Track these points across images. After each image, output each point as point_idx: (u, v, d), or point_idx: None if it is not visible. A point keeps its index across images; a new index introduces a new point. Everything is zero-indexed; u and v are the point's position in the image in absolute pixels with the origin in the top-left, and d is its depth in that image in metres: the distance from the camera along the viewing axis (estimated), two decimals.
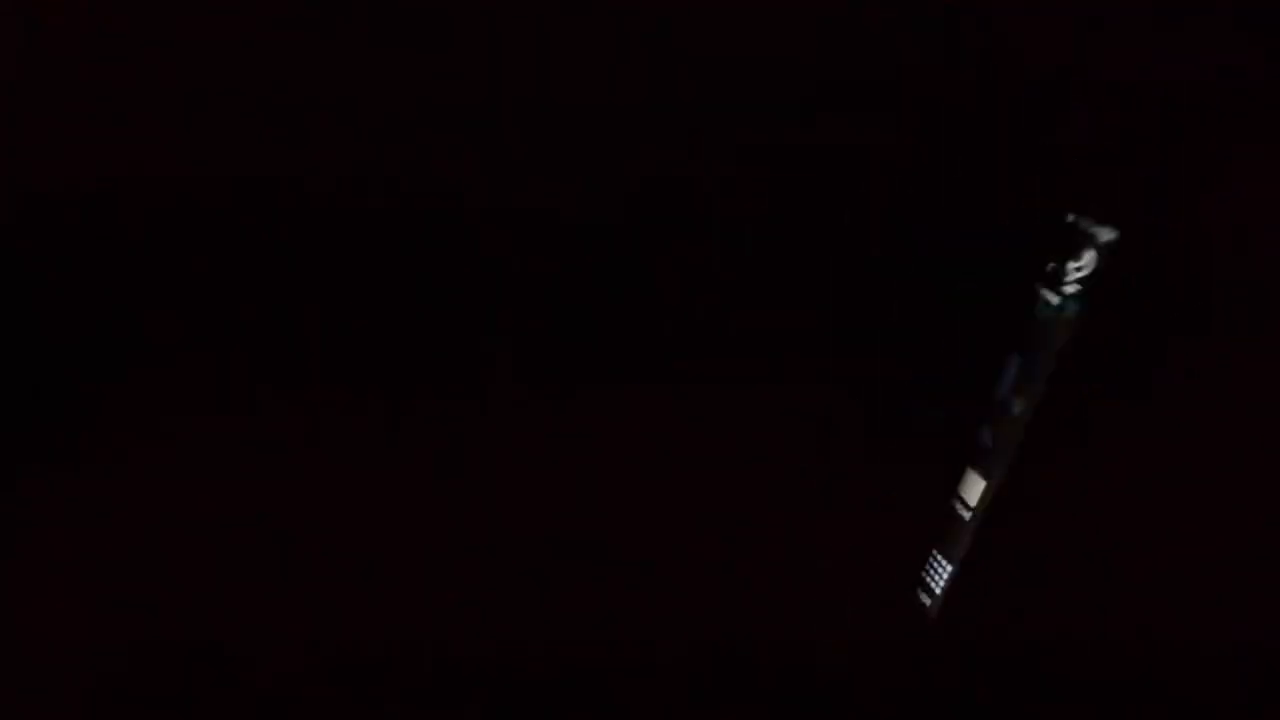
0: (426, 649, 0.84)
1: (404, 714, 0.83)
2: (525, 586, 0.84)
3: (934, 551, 0.83)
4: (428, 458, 0.84)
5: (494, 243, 0.84)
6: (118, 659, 0.83)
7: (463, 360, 0.85)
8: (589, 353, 0.84)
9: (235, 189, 0.84)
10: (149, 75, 0.83)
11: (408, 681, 0.84)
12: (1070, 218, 0.78)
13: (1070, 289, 0.77)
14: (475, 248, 0.84)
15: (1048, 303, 0.79)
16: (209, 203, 0.84)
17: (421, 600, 0.84)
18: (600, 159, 0.79)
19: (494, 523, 0.84)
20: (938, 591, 0.83)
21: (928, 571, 0.83)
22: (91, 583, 0.83)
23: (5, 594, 0.82)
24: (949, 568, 0.82)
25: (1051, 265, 0.78)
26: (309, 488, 0.84)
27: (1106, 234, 0.74)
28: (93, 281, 0.84)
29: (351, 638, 0.83)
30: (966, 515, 0.82)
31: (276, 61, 0.83)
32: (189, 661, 0.83)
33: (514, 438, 0.84)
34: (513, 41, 0.82)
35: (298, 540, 0.84)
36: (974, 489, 0.83)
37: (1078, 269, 0.77)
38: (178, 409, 0.84)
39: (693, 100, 0.79)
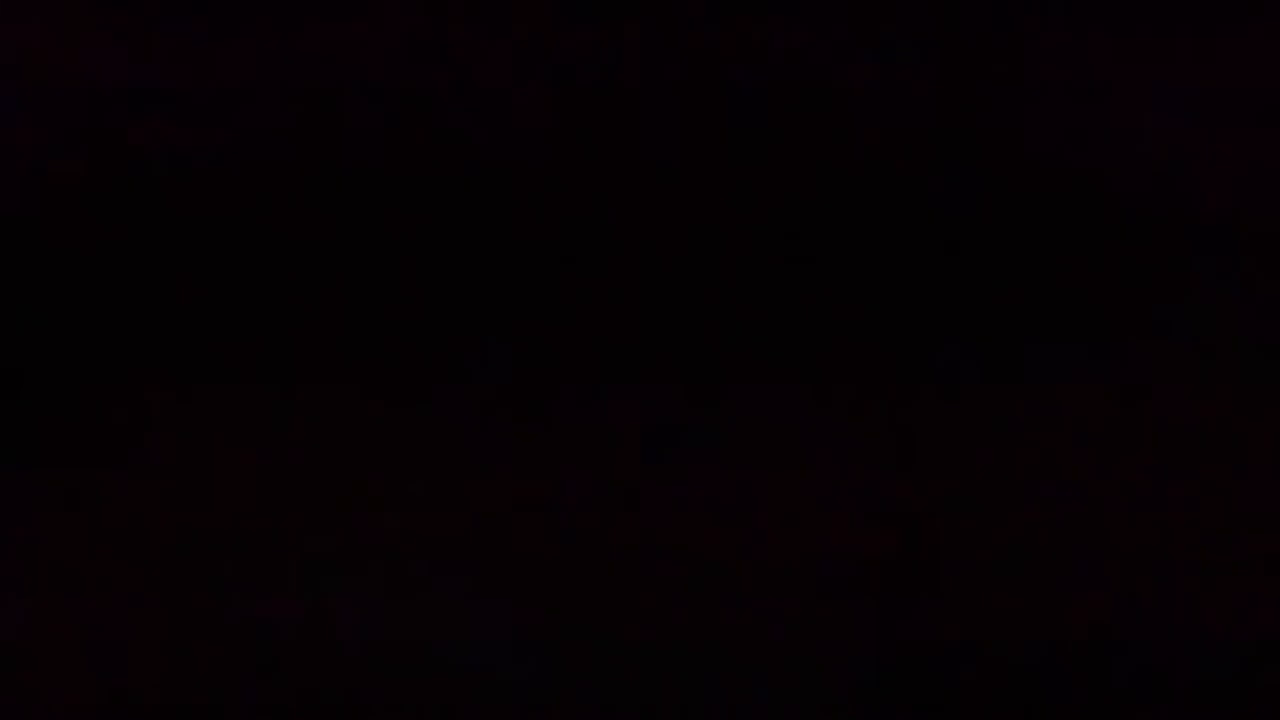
0: (428, 651, 0.83)
1: (408, 716, 0.83)
2: (529, 590, 0.84)
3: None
4: (427, 458, 0.84)
5: (493, 240, 0.84)
6: (118, 660, 0.82)
7: (463, 362, 0.85)
8: (590, 352, 0.84)
9: (234, 187, 0.84)
10: (148, 73, 0.83)
11: (410, 685, 0.83)
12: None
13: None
14: (474, 246, 0.84)
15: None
16: (209, 203, 0.84)
17: (423, 602, 0.83)
18: (603, 152, 0.79)
19: (494, 526, 0.84)
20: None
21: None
22: (92, 583, 0.83)
23: (5, 594, 0.82)
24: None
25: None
26: (309, 487, 0.84)
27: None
28: (93, 281, 0.83)
29: (353, 638, 0.83)
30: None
31: (272, 57, 0.83)
32: (188, 663, 0.83)
33: (514, 443, 0.84)
34: (512, 34, 0.82)
35: (299, 540, 0.83)
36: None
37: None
38: (178, 409, 0.83)
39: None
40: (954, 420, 0.84)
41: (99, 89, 0.84)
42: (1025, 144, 0.84)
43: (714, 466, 0.84)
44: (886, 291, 0.84)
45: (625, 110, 0.84)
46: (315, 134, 0.84)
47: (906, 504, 0.83)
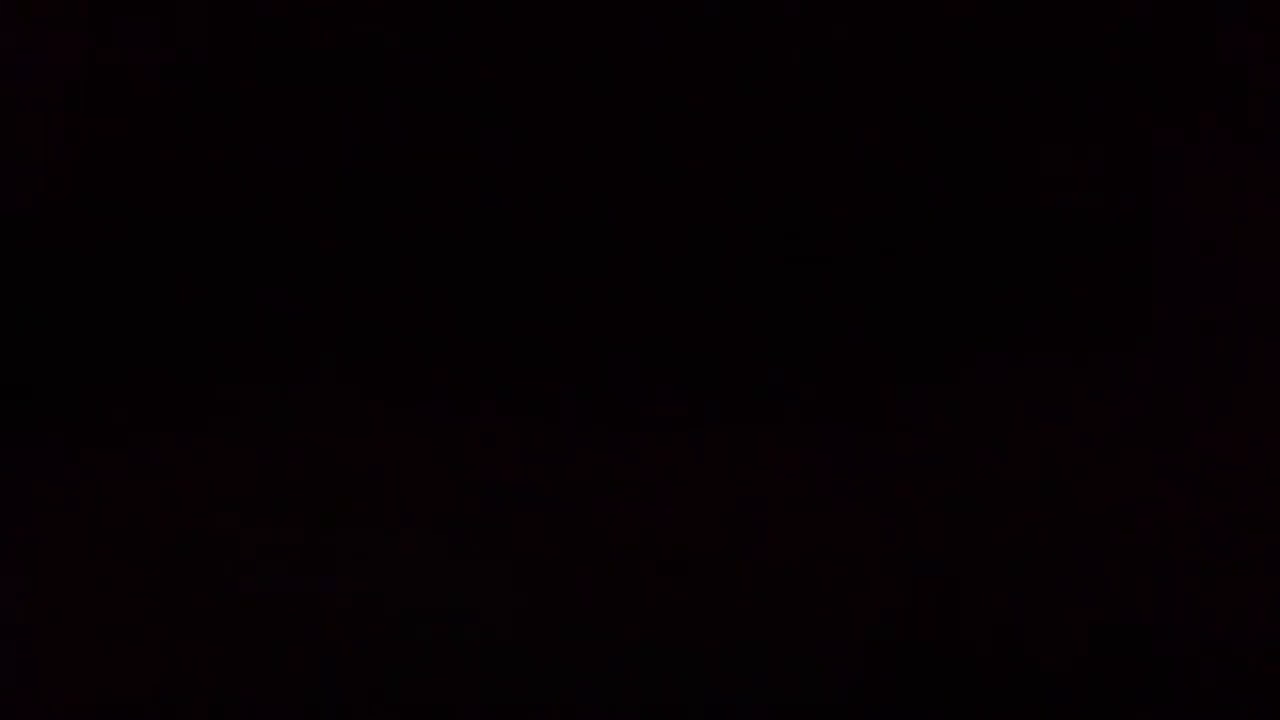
0: (428, 650, 0.83)
1: (408, 714, 0.83)
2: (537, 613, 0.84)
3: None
4: (427, 457, 0.84)
5: (493, 240, 0.84)
6: (118, 660, 0.83)
7: (463, 361, 0.85)
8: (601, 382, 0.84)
9: (233, 188, 0.84)
10: (149, 75, 0.83)
11: (410, 684, 0.83)
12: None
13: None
14: (474, 246, 0.84)
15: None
16: (209, 203, 0.84)
17: (423, 600, 0.83)
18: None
19: (493, 525, 0.84)
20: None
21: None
22: (92, 582, 0.83)
23: (5, 594, 0.82)
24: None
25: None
26: (309, 487, 0.84)
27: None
28: (93, 281, 0.84)
29: (352, 637, 0.83)
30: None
31: (272, 60, 0.83)
32: (189, 663, 0.83)
33: (514, 443, 0.84)
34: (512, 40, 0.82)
35: (299, 540, 0.83)
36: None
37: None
38: (178, 409, 0.84)
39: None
40: (954, 420, 0.84)
41: (97, 88, 0.84)
42: (1015, 146, 0.84)
43: (714, 466, 0.84)
44: (888, 293, 0.84)
45: (626, 110, 0.84)
46: (316, 134, 0.84)
47: (906, 504, 0.83)
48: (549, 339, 0.84)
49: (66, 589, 0.83)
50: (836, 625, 0.82)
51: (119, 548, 0.83)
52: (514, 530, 0.84)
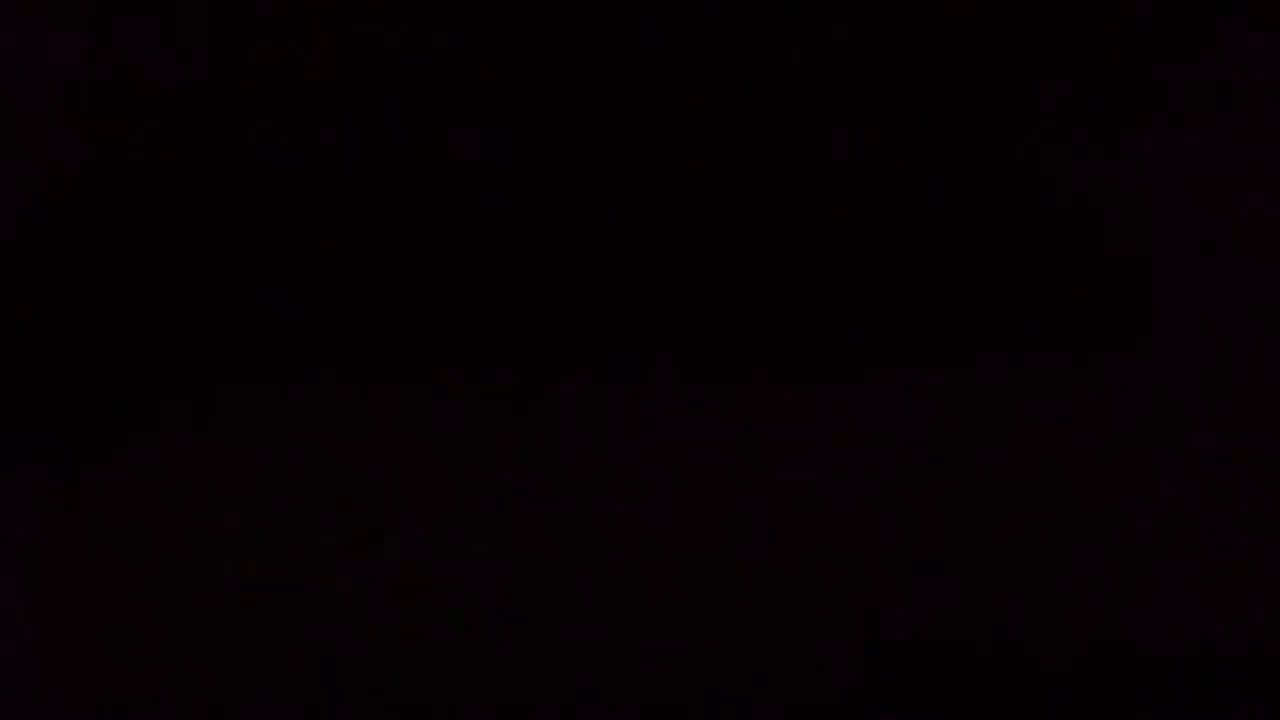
0: (428, 650, 0.83)
1: (407, 714, 0.83)
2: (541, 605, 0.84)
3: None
4: (426, 457, 0.84)
5: (492, 239, 0.84)
6: (118, 660, 0.82)
7: (463, 362, 0.85)
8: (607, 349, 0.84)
9: (233, 189, 0.84)
10: (149, 75, 0.83)
11: (410, 684, 0.83)
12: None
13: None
14: (474, 246, 0.84)
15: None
16: (209, 203, 0.84)
17: (423, 600, 0.83)
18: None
19: (493, 525, 0.84)
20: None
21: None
22: (92, 583, 0.83)
23: (5, 594, 0.82)
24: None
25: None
26: (310, 487, 0.84)
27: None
28: (93, 281, 0.84)
29: (352, 637, 0.83)
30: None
31: (272, 60, 0.83)
32: (189, 663, 0.83)
33: (514, 443, 0.84)
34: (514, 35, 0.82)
35: (300, 540, 0.83)
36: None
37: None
38: (178, 409, 0.84)
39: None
40: (954, 420, 0.84)
41: (97, 88, 0.84)
42: (1016, 146, 0.84)
43: (714, 466, 0.84)
44: (888, 293, 0.84)
45: (626, 110, 0.84)
46: (316, 134, 0.84)
47: (906, 504, 0.83)
48: (549, 339, 0.84)
49: (66, 589, 0.83)
50: (836, 625, 0.82)
51: (119, 548, 0.83)
52: (514, 530, 0.84)
